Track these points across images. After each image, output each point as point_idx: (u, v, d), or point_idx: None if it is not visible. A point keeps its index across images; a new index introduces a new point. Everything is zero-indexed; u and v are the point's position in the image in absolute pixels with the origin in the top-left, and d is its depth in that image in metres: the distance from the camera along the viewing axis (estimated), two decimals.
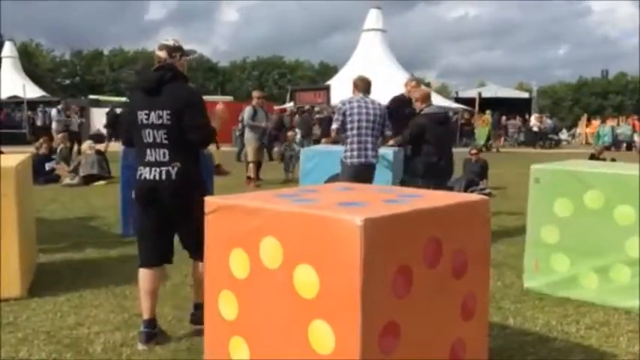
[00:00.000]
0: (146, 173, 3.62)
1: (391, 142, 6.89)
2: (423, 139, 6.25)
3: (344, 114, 6.02)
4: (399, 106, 7.31)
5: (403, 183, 6.40)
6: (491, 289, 3.39)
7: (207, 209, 2.72)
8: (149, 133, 3.57)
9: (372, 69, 32.84)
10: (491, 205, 2.93)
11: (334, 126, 6.25)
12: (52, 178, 11.65)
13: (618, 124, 30.99)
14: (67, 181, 11.43)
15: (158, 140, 3.56)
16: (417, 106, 6.51)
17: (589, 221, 4.43)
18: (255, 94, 11.87)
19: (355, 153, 5.98)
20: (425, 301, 2.43)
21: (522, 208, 4.98)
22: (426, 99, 6.54)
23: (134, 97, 3.76)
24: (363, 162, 5.98)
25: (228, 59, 72.52)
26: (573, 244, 4.53)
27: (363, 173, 5.91)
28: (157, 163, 3.57)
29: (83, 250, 5.92)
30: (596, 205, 4.40)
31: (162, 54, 3.69)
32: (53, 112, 17.40)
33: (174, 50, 3.73)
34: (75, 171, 11.69)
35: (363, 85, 6.20)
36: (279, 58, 71.39)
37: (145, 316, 3.62)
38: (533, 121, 30.50)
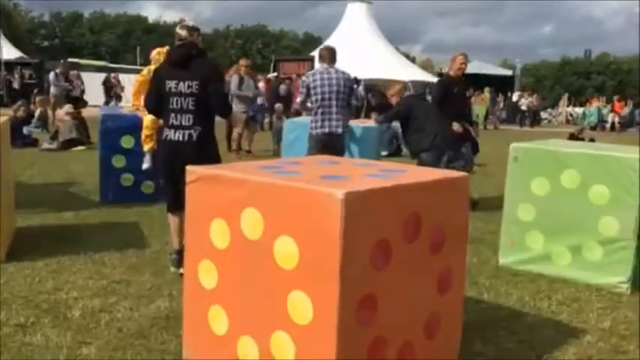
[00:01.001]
0: (171, 134, 4.20)
1: (374, 118, 7.04)
2: (411, 117, 6.44)
3: (307, 86, 6.14)
4: (447, 87, 7.16)
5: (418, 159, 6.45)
6: (467, 265, 3.46)
7: (188, 179, 2.72)
8: (177, 100, 4.16)
9: (357, 40, 32.65)
10: (471, 181, 2.96)
11: (298, 99, 6.41)
12: (30, 142, 11.48)
13: (605, 105, 31.23)
14: (45, 145, 11.27)
15: (185, 107, 4.16)
16: (394, 100, 6.80)
17: (565, 200, 4.51)
18: (242, 62, 11.46)
19: (319, 123, 6.09)
20: (403, 274, 2.48)
21: (501, 185, 5.05)
22: (400, 93, 6.97)
23: (162, 69, 4.36)
24: (327, 132, 6.07)
25: (212, 27, 71.31)
26: (548, 223, 4.62)
27: (328, 143, 6.00)
28: (182, 127, 4.17)
29: (62, 215, 5.88)
30: (572, 184, 4.48)
31: (184, 33, 4.29)
32: (51, 75, 16.32)
33: (193, 30, 4.34)
34: (54, 137, 11.53)
35: (327, 55, 6.27)
36: (263, 27, 70.47)
37: (175, 246, 4.32)
38: (517, 97, 30.61)
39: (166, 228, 5.53)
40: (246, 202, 2.47)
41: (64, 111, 12.23)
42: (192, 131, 4.16)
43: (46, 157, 10.17)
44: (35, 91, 20.11)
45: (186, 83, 4.14)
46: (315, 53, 30.08)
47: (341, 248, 2.17)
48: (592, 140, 12.03)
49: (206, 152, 4.16)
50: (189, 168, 2.75)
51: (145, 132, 6.16)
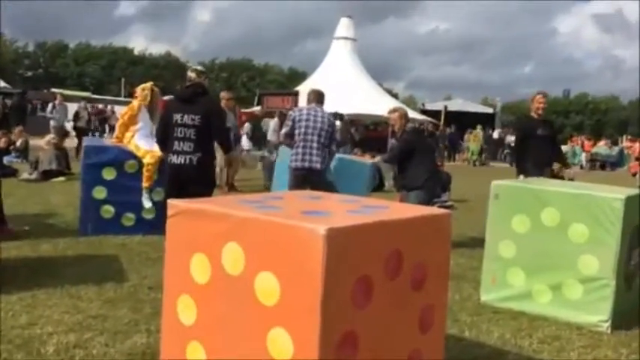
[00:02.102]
0: (174, 159, 5.07)
1: (378, 158, 7.35)
2: (413, 153, 6.54)
3: (293, 120, 6.39)
4: (529, 127, 7.02)
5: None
6: (448, 302, 3.45)
7: (169, 212, 2.70)
8: (181, 130, 5.03)
9: (341, 76, 33.08)
10: (452, 217, 2.98)
11: (283, 131, 6.71)
12: (10, 172, 11.34)
13: (594, 145, 31.84)
14: (25, 175, 11.14)
15: (187, 136, 5.02)
16: (399, 124, 6.76)
17: (545, 238, 4.55)
18: (224, 95, 10.84)
19: (300, 157, 6.25)
20: (384, 312, 2.46)
21: (483, 222, 5.08)
22: (406, 117, 6.88)
23: (172, 104, 5.27)
24: (307, 166, 6.21)
25: (197, 59, 71.84)
26: (529, 260, 4.64)
27: (306, 177, 6.18)
28: (184, 152, 5.03)
29: (39, 247, 5.78)
30: (552, 222, 4.52)
31: (193, 75, 5.21)
32: (49, 108, 16.37)
33: (202, 73, 5.33)
34: (34, 166, 11.41)
35: (316, 96, 6.59)
36: (248, 60, 71.19)
37: None
38: (497, 135, 31.05)
39: (145, 261, 5.48)
40: (227, 237, 2.45)
41: (45, 140, 12.14)
42: (192, 156, 5.02)
43: (25, 187, 10.04)
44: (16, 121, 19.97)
45: (190, 116, 5.01)
46: (300, 88, 30.44)
47: (322, 284, 2.15)
48: (571, 179, 12.21)
49: (204, 174, 5.08)
50: (170, 202, 2.74)
51: (146, 172, 6.49)
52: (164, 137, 5.19)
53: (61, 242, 6.03)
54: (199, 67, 5.41)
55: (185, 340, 2.62)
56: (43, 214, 7.55)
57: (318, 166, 6.24)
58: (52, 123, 15.83)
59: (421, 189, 6.47)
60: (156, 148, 6.56)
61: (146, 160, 6.55)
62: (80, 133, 15.59)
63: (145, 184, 6.55)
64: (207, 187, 5.11)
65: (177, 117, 5.05)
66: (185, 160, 5.02)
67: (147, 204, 6.54)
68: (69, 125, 17.13)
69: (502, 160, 28.47)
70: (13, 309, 4.02)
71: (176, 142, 5.04)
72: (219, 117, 5.30)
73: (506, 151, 29.58)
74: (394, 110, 6.94)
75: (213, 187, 5.32)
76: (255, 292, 2.34)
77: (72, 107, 17.85)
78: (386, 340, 2.50)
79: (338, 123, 19.78)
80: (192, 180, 4.98)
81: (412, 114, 32.28)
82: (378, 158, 7.22)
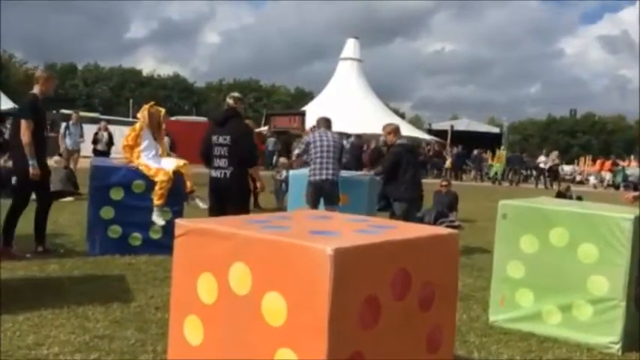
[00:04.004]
0: (213, 173, 6.02)
1: (370, 172, 8.05)
2: (400, 166, 7.16)
3: (308, 142, 7.38)
4: None
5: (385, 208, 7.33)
6: (457, 322, 3.42)
7: (177, 232, 2.70)
8: (217, 149, 5.97)
9: (348, 97, 33.27)
10: (460, 237, 2.97)
11: (296, 151, 7.96)
12: None
13: (629, 165, 31.62)
14: (33, 195, 11.17)
15: (222, 153, 5.95)
16: (389, 139, 7.51)
17: (554, 258, 4.51)
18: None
19: (317, 171, 7.11)
20: (391, 332, 2.44)
21: (491, 241, 5.05)
22: (397, 132, 7.57)
23: (210, 127, 6.27)
24: (324, 178, 7.09)
25: (205, 80, 72.49)
26: (538, 280, 4.60)
27: (324, 187, 7.08)
28: (220, 167, 5.96)
29: (46, 267, 5.78)
30: (560, 242, 4.49)
31: (231, 101, 6.20)
32: (62, 129, 15.46)
33: (239, 100, 6.27)
34: None
35: (323, 123, 7.59)
36: (255, 81, 71.68)
37: None
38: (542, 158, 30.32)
39: (152, 281, 5.47)
40: (234, 257, 2.45)
41: (53, 160, 12.20)
42: (226, 171, 5.91)
43: (33, 207, 10.07)
44: None
45: (223, 137, 5.94)
46: (307, 107, 30.56)
47: (329, 305, 2.15)
48: (579, 198, 12.16)
49: (238, 185, 5.94)
50: (177, 222, 2.74)
51: (159, 189, 6.52)
52: (207, 156, 6.10)
53: (68, 262, 6.03)
54: (237, 94, 6.34)
55: None
56: (50, 234, 7.54)
57: (335, 178, 7.16)
58: (67, 142, 15.09)
59: (402, 201, 7.15)
60: (165, 167, 6.63)
61: (159, 179, 6.56)
62: (100, 156, 14.13)
63: (157, 202, 6.53)
64: (242, 196, 6.03)
65: (214, 138, 6.00)
66: (221, 174, 5.93)
67: (160, 221, 6.53)
68: (83, 146, 16.37)
69: (537, 183, 27.73)
70: (19, 329, 4.01)
71: (215, 160, 5.97)
72: (245, 137, 6.12)
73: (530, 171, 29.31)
74: (386, 126, 7.74)
75: (247, 196, 6.24)
76: (262, 312, 2.33)
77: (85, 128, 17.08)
78: None
79: (345, 143, 19.90)
80: (228, 190, 5.91)
81: (418, 134, 32.42)
82: (371, 172, 7.82)
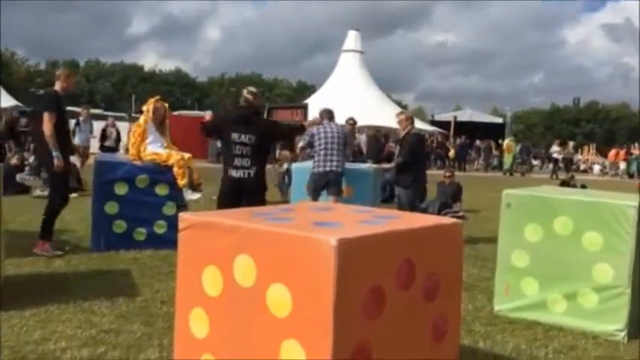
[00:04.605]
0: (234, 173, 5.72)
1: (388, 165, 8.30)
2: (418, 154, 7.42)
3: (312, 135, 7.45)
4: None
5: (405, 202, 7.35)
6: (462, 312, 3.42)
7: (181, 225, 2.71)
8: (239, 148, 5.70)
9: (350, 89, 33.20)
10: (464, 228, 2.96)
11: (301, 144, 7.99)
12: (23, 189, 11.43)
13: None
14: (37, 192, 11.21)
15: (245, 153, 5.70)
16: (405, 125, 7.55)
17: (558, 246, 4.51)
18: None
19: (322, 163, 7.30)
20: (396, 322, 2.45)
21: (495, 231, 5.04)
22: (413, 120, 7.75)
23: (229, 122, 5.91)
24: (328, 169, 7.29)
25: (207, 75, 72.39)
26: (543, 269, 4.60)
27: (328, 178, 7.25)
28: (243, 167, 5.71)
29: (52, 263, 5.80)
30: (565, 231, 4.48)
31: (250, 97, 5.93)
32: (72, 125, 14.47)
33: (256, 95, 6.02)
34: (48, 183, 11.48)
35: (326, 114, 7.68)
36: (257, 75, 71.59)
37: None
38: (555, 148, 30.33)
39: (157, 275, 5.49)
40: (239, 249, 2.45)
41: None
42: (250, 170, 5.71)
43: (38, 203, 10.09)
44: (30, 139, 20.03)
45: (247, 136, 5.70)
46: (309, 100, 30.49)
47: (334, 295, 2.15)
48: (583, 187, 12.13)
49: (259, 185, 5.79)
50: (181, 215, 2.75)
51: (178, 169, 6.64)
52: (208, 133, 6.33)
53: (73, 258, 6.06)
54: (254, 89, 6.07)
55: (198, 353, 2.62)
56: (55, 230, 7.57)
57: (339, 169, 7.32)
58: (76, 139, 14.25)
59: (408, 189, 7.29)
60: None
61: (173, 160, 6.66)
62: (108, 152, 14.32)
63: (181, 183, 6.63)
64: (263, 194, 5.89)
65: (235, 136, 5.72)
66: (245, 174, 5.71)
67: (194, 196, 6.70)
68: (93, 142, 16.19)
69: (552, 174, 27.40)
70: (26, 324, 4.03)
71: (236, 159, 5.71)
72: (271, 136, 6.21)
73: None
74: (401, 112, 7.99)
75: (265, 196, 6.02)
76: (267, 303, 2.34)
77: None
78: (399, 351, 2.48)
79: (363, 137, 20.00)
80: (249, 190, 5.72)
81: (421, 125, 32.34)
82: (391, 164, 7.85)
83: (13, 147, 17.54)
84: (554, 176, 24.36)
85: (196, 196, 6.66)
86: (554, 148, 27.44)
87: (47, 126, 6.00)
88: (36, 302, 4.48)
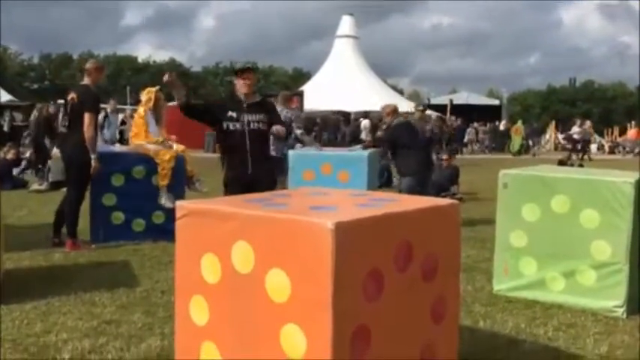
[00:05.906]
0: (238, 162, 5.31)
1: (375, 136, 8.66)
2: (399, 143, 7.37)
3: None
4: None
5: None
6: (461, 293, 3.43)
7: (178, 214, 2.70)
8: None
9: (345, 75, 33.09)
10: (462, 210, 2.97)
11: (299, 132, 8.68)
12: (20, 183, 11.42)
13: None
14: (34, 186, 11.20)
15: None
16: (387, 119, 7.79)
17: (556, 225, 4.52)
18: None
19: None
20: (395, 304, 2.46)
21: (493, 213, 5.05)
22: (395, 112, 7.75)
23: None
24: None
25: (202, 65, 72.10)
26: (541, 248, 4.61)
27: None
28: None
29: (51, 256, 5.81)
30: (562, 209, 4.49)
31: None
32: (100, 119, 13.64)
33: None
34: (45, 177, 11.47)
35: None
36: (253, 63, 71.15)
37: None
38: (503, 126, 30.90)
39: (157, 266, 5.50)
40: (236, 236, 2.45)
41: (53, 153, 12.16)
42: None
43: (35, 198, 10.10)
44: (25, 133, 19.89)
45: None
46: (305, 87, 30.31)
47: (333, 279, 2.15)
48: (581, 166, 12.16)
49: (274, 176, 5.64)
50: (178, 203, 2.74)
51: (162, 170, 6.46)
52: (195, 115, 5.65)
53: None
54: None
55: (199, 341, 2.63)
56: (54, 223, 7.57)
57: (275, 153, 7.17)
58: (105, 135, 12.69)
59: (411, 176, 7.28)
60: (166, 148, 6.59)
61: (160, 158, 6.52)
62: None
63: (162, 183, 6.48)
64: (274, 185, 5.54)
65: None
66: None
67: (168, 204, 6.29)
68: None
69: (569, 156, 26.19)
70: (27, 317, 4.05)
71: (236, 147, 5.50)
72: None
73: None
74: (386, 106, 7.94)
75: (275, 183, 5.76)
76: (266, 289, 2.34)
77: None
78: (399, 332, 2.49)
79: (367, 122, 20.09)
80: (261, 183, 5.14)
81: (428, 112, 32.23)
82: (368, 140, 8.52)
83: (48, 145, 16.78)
84: (575, 156, 21.83)
85: (169, 204, 6.25)
86: (575, 129, 25.03)
87: (89, 128, 5.95)
88: (36, 295, 4.49)
